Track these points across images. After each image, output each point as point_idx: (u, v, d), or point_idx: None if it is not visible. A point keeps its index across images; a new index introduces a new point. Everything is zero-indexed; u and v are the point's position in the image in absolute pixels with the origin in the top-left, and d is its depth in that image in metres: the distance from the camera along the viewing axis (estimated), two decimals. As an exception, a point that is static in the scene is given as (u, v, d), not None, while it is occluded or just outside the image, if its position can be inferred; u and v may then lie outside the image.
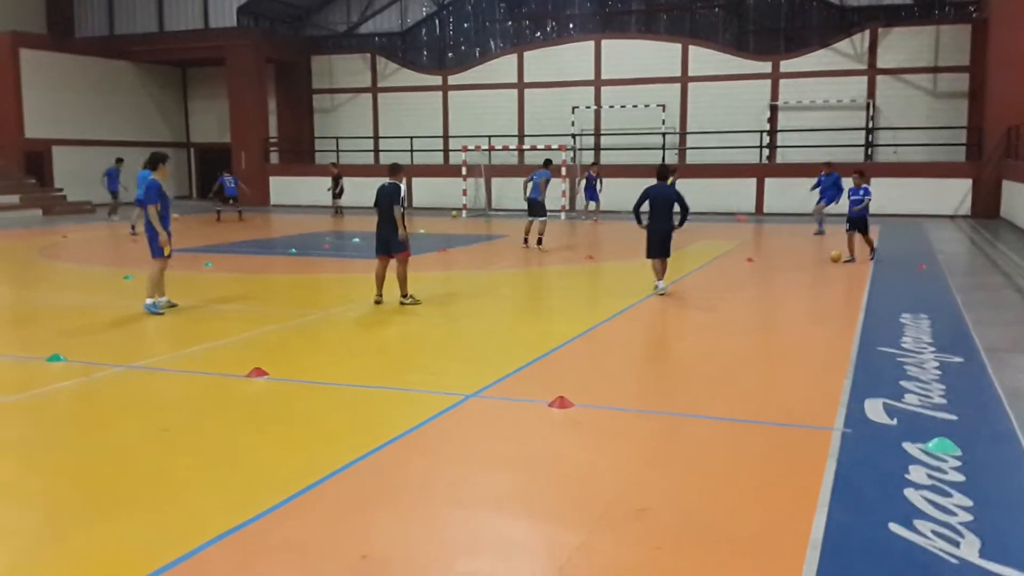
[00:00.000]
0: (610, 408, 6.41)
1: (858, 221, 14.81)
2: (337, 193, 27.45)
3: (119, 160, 24.66)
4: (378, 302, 10.71)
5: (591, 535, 4.21)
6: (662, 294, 11.34)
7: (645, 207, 11.39)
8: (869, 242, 15.03)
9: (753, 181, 27.74)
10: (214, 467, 5.21)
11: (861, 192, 14.88)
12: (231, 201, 25.58)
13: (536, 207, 16.98)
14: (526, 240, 17.39)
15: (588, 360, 8.26)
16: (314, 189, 32.63)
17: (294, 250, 17.49)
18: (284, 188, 33.57)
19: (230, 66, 33.10)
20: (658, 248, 11.45)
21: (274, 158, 35.06)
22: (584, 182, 24.84)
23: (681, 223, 11.52)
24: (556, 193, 25.48)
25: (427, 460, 5.32)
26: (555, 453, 5.44)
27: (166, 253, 10.23)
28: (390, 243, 10.64)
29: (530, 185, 17.11)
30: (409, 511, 4.53)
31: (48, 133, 31.38)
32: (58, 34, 34.92)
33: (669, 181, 11.78)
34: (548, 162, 17.77)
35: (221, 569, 3.89)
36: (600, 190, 24.48)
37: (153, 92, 36.20)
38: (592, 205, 24.70)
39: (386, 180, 10.81)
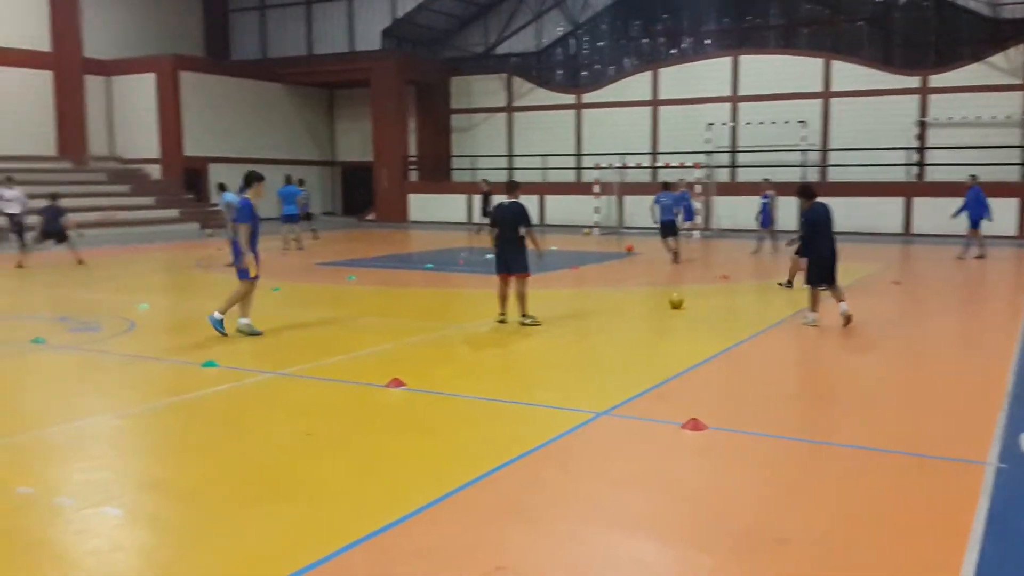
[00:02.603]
0: (745, 432, 6.28)
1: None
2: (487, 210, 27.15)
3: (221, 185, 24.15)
4: (502, 321, 10.65)
5: (726, 562, 4.15)
6: (814, 326, 10.46)
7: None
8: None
9: (900, 200, 26.56)
10: (355, 472, 5.41)
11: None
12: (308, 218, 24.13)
13: (670, 227, 18.29)
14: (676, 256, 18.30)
15: (722, 382, 8.11)
16: (450, 206, 33.40)
17: (431, 265, 17.94)
18: (422, 205, 34.50)
19: (374, 87, 34.32)
20: (827, 273, 10.53)
21: (412, 176, 36.10)
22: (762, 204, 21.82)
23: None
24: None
25: (559, 476, 5.36)
26: (688, 476, 5.38)
27: (252, 275, 9.90)
28: (511, 263, 10.54)
29: (658, 208, 18.28)
30: (543, 525, 4.58)
31: (205, 151, 33.33)
32: (215, 57, 37.17)
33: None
34: (667, 184, 19.23)
35: (362, 571, 4.04)
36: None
37: (302, 112, 37.93)
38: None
39: (504, 199, 10.75)
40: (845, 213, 25.03)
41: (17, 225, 19.82)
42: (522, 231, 10.49)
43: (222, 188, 19.38)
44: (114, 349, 9.36)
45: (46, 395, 7.61)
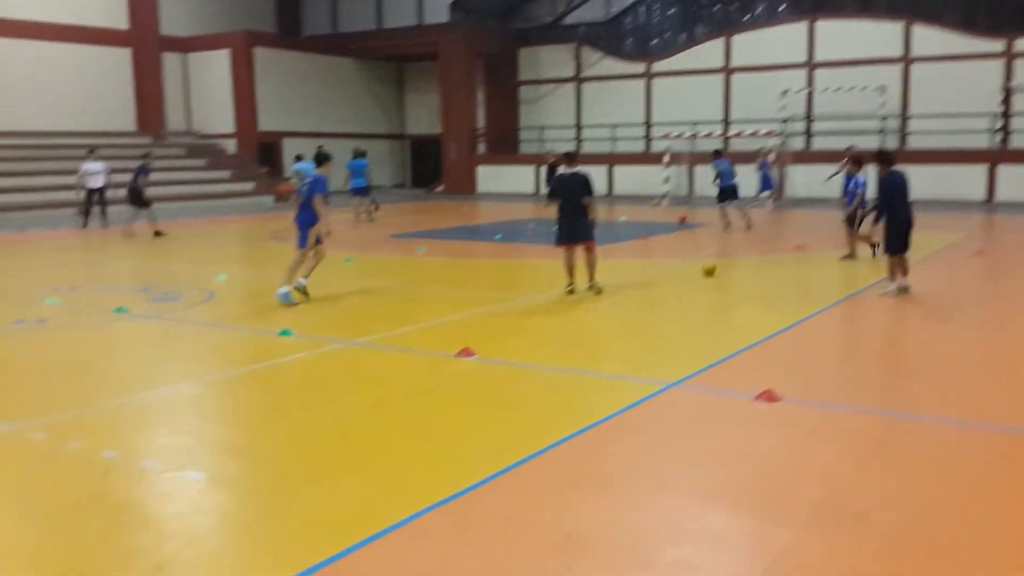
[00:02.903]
0: (821, 405, 6.16)
1: (853, 215, 13.17)
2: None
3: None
4: (571, 291, 10.65)
5: (801, 535, 4.09)
6: (895, 295, 10.21)
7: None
8: (864, 238, 13.05)
9: (983, 168, 25.60)
10: (428, 440, 5.49)
11: (851, 183, 13.27)
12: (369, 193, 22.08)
13: (731, 192, 18.81)
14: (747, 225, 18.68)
15: (797, 354, 7.97)
16: (519, 177, 33.35)
17: (499, 236, 17.98)
18: (490, 176, 34.53)
19: (442, 60, 34.35)
20: (905, 242, 10.31)
21: (480, 148, 36.13)
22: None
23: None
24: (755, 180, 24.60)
25: (630, 446, 5.34)
26: (761, 448, 5.31)
27: (312, 243, 10.32)
28: (578, 232, 10.56)
29: (720, 173, 18.83)
30: (614, 495, 4.58)
31: (278, 125, 33.88)
32: (287, 33, 37.63)
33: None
34: (718, 152, 19.69)
35: (438, 535, 4.10)
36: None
37: (372, 86, 38.21)
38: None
39: (565, 169, 10.72)
40: (925, 181, 24.26)
41: (101, 198, 20.48)
42: (585, 201, 10.50)
43: (299, 159, 19.55)
44: (194, 318, 9.63)
45: (130, 363, 7.88)
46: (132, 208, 18.79)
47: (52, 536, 4.15)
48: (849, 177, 13.52)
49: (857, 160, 13.47)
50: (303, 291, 10.28)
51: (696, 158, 29.53)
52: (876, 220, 10.45)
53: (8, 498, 4.68)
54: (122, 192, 19.48)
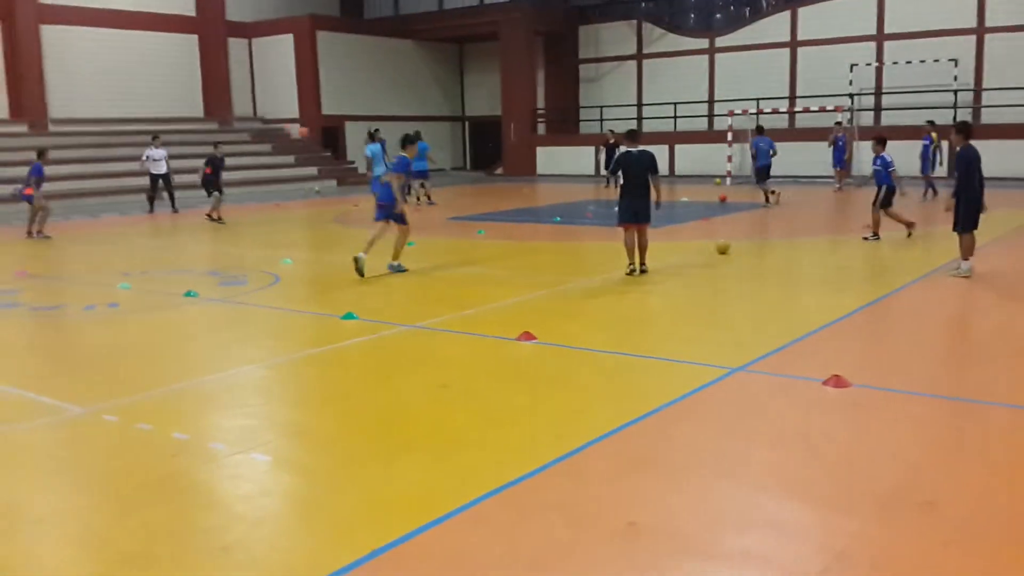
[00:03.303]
0: (892, 390, 6.00)
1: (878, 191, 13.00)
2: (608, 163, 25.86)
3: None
4: (631, 272, 10.63)
5: (869, 524, 3.99)
6: (966, 276, 9.94)
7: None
8: (893, 216, 13.08)
9: (1062, 143, 24.58)
10: (489, 424, 5.50)
11: (878, 162, 13.01)
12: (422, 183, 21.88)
13: (765, 172, 19.75)
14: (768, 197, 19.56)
15: (867, 337, 7.78)
16: (579, 158, 33.14)
17: (559, 218, 17.91)
18: (550, 158, 34.37)
19: (502, 40, 34.22)
20: (977, 218, 10.00)
21: (540, 129, 35.97)
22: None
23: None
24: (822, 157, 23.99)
25: (693, 432, 5.28)
26: (829, 434, 5.20)
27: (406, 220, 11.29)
28: (640, 212, 10.50)
29: (757, 152, 19.76)
30: (676, 481, 4.53)
31: (341, 109, 34.18)
32: (349, 16, 37.89)
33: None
34: (760, 128, 20.62)
35: (499, 521, 4.11)
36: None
37: (433, 69, 38.28)
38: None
39: (630, 148, 10.62)
40: (1001, 157, 23.48)
41: (167, 184, 20.95)
42: (651, 179, 10.45)
43: (371, 138, 19.47)
44: (260, 302, 9.81)
45: (199, 346, 8.06)
46: (208, 194, 18.83)
47: (123, 517, 4.27)
48: (875, 157, 13.29)
49: (880, 139, 13.39)
50: (397, 269, 11.23)
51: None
52: (954, 195, 10.08)
53: (81, 480, 4.83)
54: (187, 177, 19.82)
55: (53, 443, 5.42)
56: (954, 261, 10.27)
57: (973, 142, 10.02)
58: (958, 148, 10.08)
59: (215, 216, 18.53)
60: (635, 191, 10.49)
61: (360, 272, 10.71)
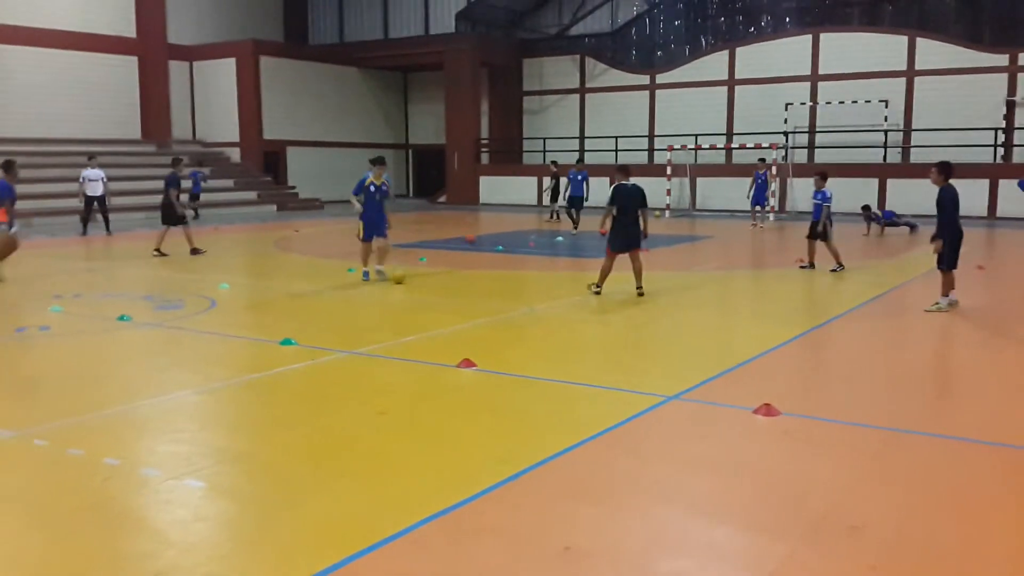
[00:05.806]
0: (821, 419, 6.17)
1: (814, 227, 13.71)
2: (555, 195, 24.58)
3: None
4: (597, 292, 11.24)
5: (799, 548, 4.10)
6: (945, 311, 10.14)
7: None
8: (835, 252, 13.70)
9: (986, 183, 25.59)
10: (428, 451, 5.50)
11: (819, 196, 13.72)
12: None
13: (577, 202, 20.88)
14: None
15: (798, 367, 7.99)
16: (522, 188, 33.41)
17: (501, 247, 18.01)
18: (493, 187, 34.59)
19: (447, 70, 34.44)
20: (957, 256, 10.21)
21: (484, 158, 36.18)
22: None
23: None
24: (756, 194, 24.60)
25: (629, 458, 5.36)
26: (760, 461, 5.33)
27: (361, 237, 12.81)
28: (633, 240, 11.21)
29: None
30: (612, 507, 4.60)
31: (283, 134, 33.98)
32: (294, 42, 37.78)
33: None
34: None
35: (436, 545, 4.12)
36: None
37: (378, 96, 38.33)
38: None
39: (622, 181, 11.30)
40: (929, 196, 24.24)
41: (102, 206, 20.53)
42: (642, 212, 11.26)
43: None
44: (197, 327, 9.66)
45: (132, 371, 7.91)
46: (164, 227, 16.37)
47: (53, 543, 4.17)
48: (816, 191, 13.85)
49: (823, 174, 14.00)
50: (382, 273, 12.64)
51: (698, 170, 29.58)
52: (939, 234, 10.26)
53: (10, 505, 4.70)
54: (122, 200, 19.37)
55: (-22, 468, 5.26)
56: (940, 299, 10.38)
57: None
58: (941, 186, 10.13)
59: (194, 249, 16.41)
60: (629, 223, 11.19)
61: (387, 278, 12.53)
